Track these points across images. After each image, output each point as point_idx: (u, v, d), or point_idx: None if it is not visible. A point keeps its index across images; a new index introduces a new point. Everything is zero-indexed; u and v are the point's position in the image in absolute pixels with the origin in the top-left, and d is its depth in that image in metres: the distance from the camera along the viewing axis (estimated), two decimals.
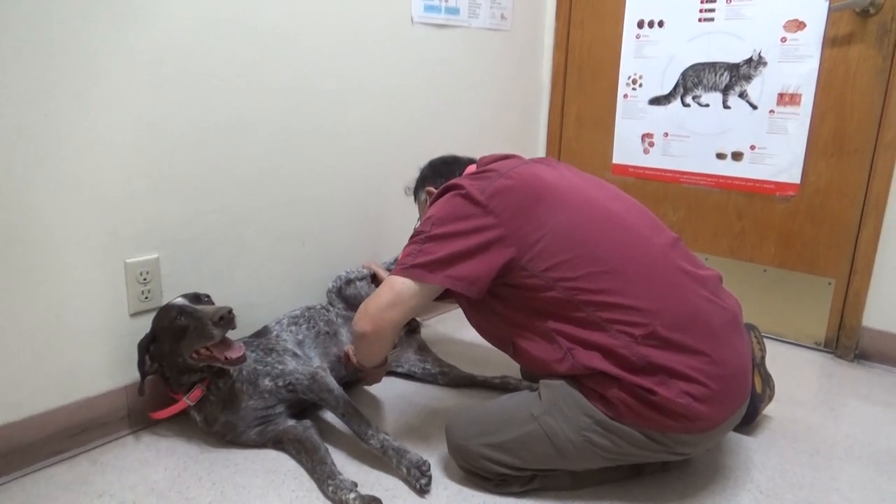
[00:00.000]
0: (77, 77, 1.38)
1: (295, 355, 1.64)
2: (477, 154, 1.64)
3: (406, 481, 1.40)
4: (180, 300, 1.48)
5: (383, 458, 1.42)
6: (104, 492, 1.37)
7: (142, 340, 1.49)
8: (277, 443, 1.53)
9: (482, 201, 1.31)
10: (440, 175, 1.64)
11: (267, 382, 1.52)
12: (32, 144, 1.34)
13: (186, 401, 1.49)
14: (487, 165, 1.46)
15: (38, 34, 1.31)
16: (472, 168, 1.56)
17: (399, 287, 1.33)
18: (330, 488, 1.35)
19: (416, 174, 1.74)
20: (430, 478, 1.39)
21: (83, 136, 1.42)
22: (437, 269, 1.31)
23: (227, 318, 1.40)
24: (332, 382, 1.53)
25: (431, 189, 1.61)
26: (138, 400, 1.55)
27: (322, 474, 1.39)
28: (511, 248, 1.30)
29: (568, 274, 1.28)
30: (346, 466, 1.47)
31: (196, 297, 1.51)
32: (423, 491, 1.37)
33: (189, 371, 1.48)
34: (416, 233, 1.38)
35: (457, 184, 1.37)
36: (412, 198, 1.77)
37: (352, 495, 1.31)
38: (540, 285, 1.30)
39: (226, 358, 1.43)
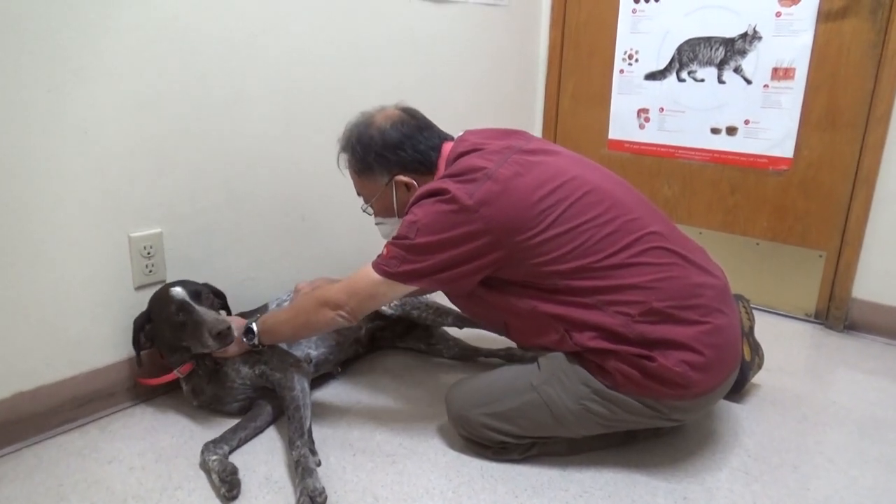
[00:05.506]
0: (76, 54, 1.39)
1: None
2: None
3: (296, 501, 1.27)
4: (180, 291, 1.49)
5: (293, 470, 1.34)
6: (113, 458, 1.41)
7: (137, 318, 1.53)
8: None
9: (471, 206, 1.27)
10: (413, 162, 1.44)
11: (246, 369, 1.54)
12: (36, 120, 1.36)
13: (177, 373, 1.54)
14: (469, 156, 1.37)
15: (39, 10, 1.32)
16: (448, 148, 1.45)
17: (384, 289, 1.34)
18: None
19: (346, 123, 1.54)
20: None
21: (85, 112, 1.43)
22: (424, 275, 1.32)
23: (223, 334, 1.43)
24: (298, 383, 1.48)
25: (405, 179, 1.44)
26: (143, 372, 1.59)
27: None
28: (502, 251, 1.30)
29: (562, 267, 1.29)
30: (352, 429, 1.52)
31: (196, 294, 1.51)
32: None
33: (181, 351, 1.52)
34: (400, 236, 1.33)
35: (442, 188, 1.31)
36: (346, 164, 1.54)
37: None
38: (532, 280, 1.32)
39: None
